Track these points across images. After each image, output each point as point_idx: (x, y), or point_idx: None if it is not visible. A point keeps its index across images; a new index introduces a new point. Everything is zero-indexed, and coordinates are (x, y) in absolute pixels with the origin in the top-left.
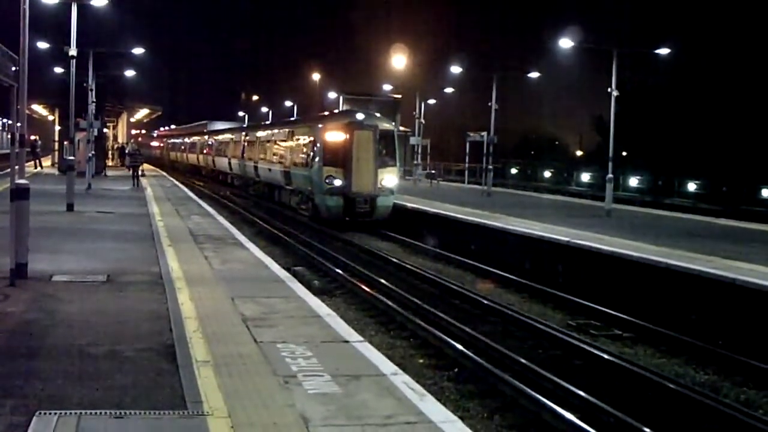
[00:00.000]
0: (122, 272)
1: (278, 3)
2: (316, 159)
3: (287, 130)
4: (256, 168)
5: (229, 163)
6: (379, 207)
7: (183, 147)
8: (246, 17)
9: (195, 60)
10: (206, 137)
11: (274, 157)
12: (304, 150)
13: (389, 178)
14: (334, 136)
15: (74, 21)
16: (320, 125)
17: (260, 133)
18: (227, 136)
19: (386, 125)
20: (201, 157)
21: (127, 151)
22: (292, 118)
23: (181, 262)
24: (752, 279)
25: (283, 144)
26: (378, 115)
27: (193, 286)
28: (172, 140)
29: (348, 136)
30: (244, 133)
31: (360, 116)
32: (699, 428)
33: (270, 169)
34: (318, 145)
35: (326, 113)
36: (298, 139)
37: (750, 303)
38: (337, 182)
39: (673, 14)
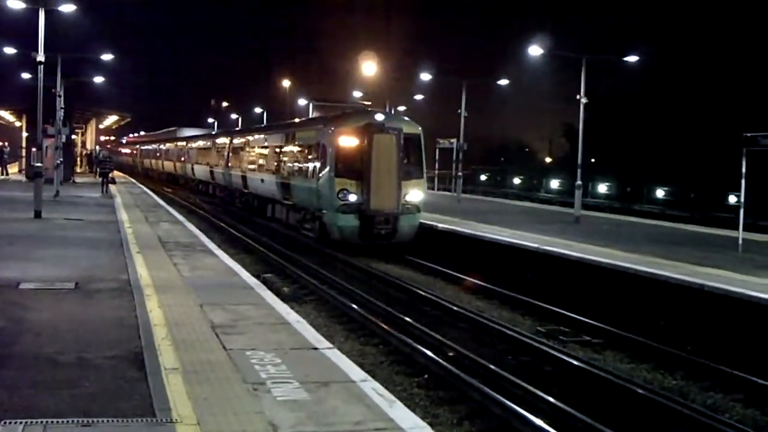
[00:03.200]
0: (91, 279)
1: (248, 9)
2: (326, 169)
3: (285, 133)
4: (244, 178)
5: (211, 173)
6: (402, 227)
7: (158, 154)
8: (215, 24)
9: (164, 66)
10: (184, 143)
11: (268, 165)
12: (309, 157)
13: (414, 192)
14: (349, 140)
15: (42, 26)
16: (331, 128)
17: (250, 138)
18: (209, 141)
19: (411, 128)
20: (178, 165)
21: (96, 157)
22: (292, 120)
23: (150, 269)
24: (720, 285)
25: (281, 150)
26: (401, 116)
27: (161, 293)
28: (146, 147)
29: (366, 140)
30: (229, 138)
31: (380, 117)
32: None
33: (262, 180)
34: (328, 151)
35: (338, 113)
36: (300, 145)
37: (718, 308)
38: (352, 197)
39: (642, 22)
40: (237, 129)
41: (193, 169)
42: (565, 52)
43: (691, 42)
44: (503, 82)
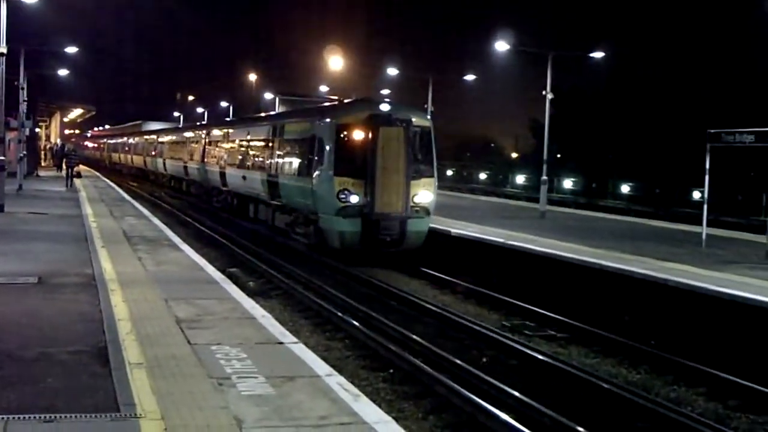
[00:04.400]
0: (54, 274)
1: (212, 2)
2: (323, 166)
3: (273, 125)
4: (222, 175)
5: (185, 168)
6: (411, 233)
7: (127, 148)
8: (180, 16)
9: (128, 60)
10: (155, 137)
11: (252, 161)
12: (302, 153)
13: (424, 193)
14: (350, 133)
15: (3, 17)
16: (329, 119)
17: (230, 131)
18: (182, 134)
19: (421, 119)
20: (148, 159)
21: (56, 151)
22: (280, 111)
23: (114, 263)
24: (683, 279)
25: (267, 144)
26: (409, 106)
27: (126, 287)
28: (114, 140)
29: (370, 134)
30: (205, 131)
31: (385, 106)
32: (631, 426)
33: (244, 177)
34: (326, 146)
35: (336, 102)
36: (291, 138)
37: (681, 303)
38: (354, 199)
39: (607, 18)
40: (214, 121)
41: (164, 164)
42: (530, 48)
43: (655, 39)
44: (470, 77)
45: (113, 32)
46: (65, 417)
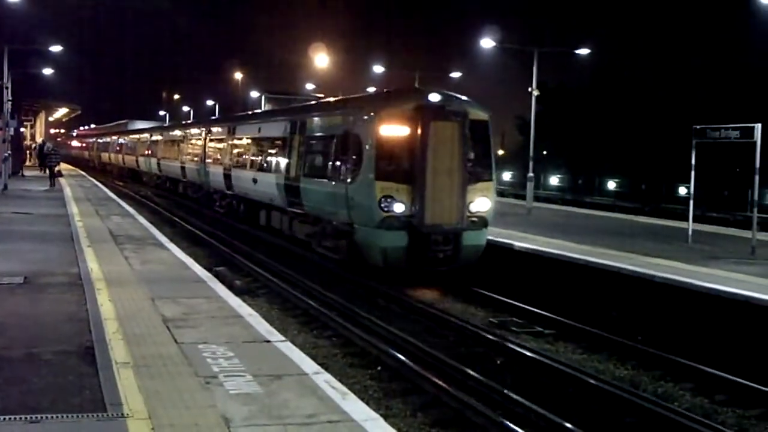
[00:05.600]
0: (40, 274)
1: (197, 1)
2: (361, 168)
3: (292, 121)
4: (227, 177)
5: (183, 169)
6: (466, 248)
7: (118, 147)
8: (165, 15)
9: (113, 59)
10: (148, 135)
11: (265, 162)
12: (333, 152)
13: (482, 200)
14: (394, 129)
15: None
16: (369, 112)
17: (237, 127)
18: (179, 132)
19: (479, 112)
20: (141, 159)
21: (41, 150)
22: (304, 104)
23: (100, 263)
24: (670, 275)
25: (285, 143)
26: (464, 97)
27: (113, 287)
28: (104, 139)
29: (419, 129)
30: (206, 129)
31: (435, 96)
32: (619, 422)
33: (255, 180)
34: (365, 144)
35: (374, 92)
36: (318, 135)
37: (668, 299)
38: (399, 207)
39: (592, 15)
40: (218, 117)
41: (159, 164)
42: (516, 44)
43: (641, 35)
44: (456, 74)
45: (98, 31)
46: (51, 417)
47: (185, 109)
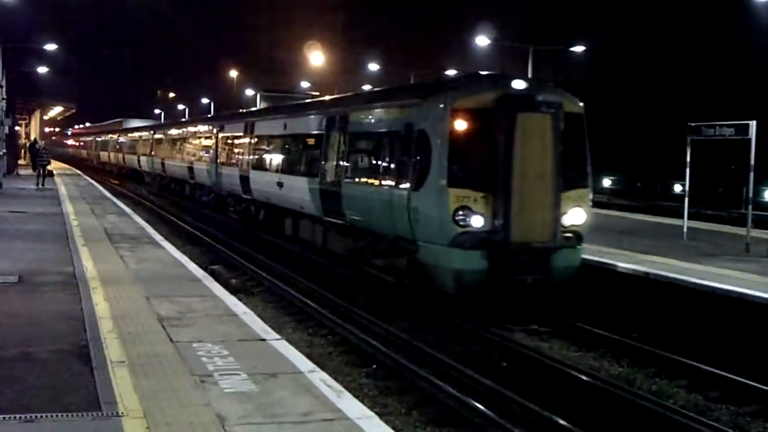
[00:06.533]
0: (35, 272)
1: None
2: (429, 171)
3: (329, 115)
4: (244, 179)
5: (190, 170)
6: (557, 270)
7: (118, 146)
8: (160, 14)
9: (108, 57)
10: (152, 133)
11: (294, 163)
12: (388, 151)
13: (577, 211)
14: (471, 123)
15: None
16: (438, 102)
17: (257, 122)
18: (187, 129)
19: (572, 103)
20: (144, 159)
21: (32, 149)
22: (343, 95)
23: (95, 261)
24: (665, 272)
25: (322, 140)
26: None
27: (108, 285)
28: (104, 138)
29: (501, 124)
30: (218, 125)
31: (520, 84)
32: (613, 419)
33: (281, 184)
34: (435, 142)
35: (443, 77)
36: (363, 131)
37: (663, 296)
38: (478, 221)
39: (587, 12)
40: (233, 113)
41: (163, 164)
42: (511, 42)
43: (636, 32)
44: (451, 72)
45: (93, 30)
46: (46, 417)
47: (180, 107)
